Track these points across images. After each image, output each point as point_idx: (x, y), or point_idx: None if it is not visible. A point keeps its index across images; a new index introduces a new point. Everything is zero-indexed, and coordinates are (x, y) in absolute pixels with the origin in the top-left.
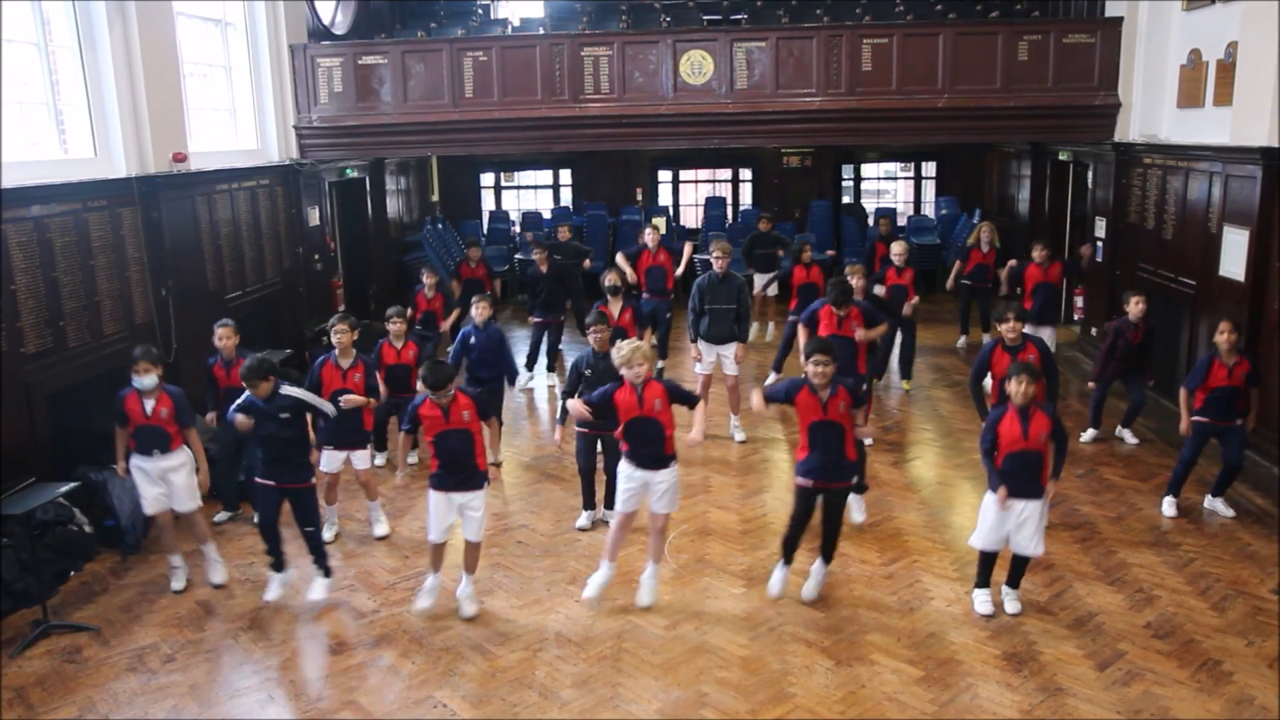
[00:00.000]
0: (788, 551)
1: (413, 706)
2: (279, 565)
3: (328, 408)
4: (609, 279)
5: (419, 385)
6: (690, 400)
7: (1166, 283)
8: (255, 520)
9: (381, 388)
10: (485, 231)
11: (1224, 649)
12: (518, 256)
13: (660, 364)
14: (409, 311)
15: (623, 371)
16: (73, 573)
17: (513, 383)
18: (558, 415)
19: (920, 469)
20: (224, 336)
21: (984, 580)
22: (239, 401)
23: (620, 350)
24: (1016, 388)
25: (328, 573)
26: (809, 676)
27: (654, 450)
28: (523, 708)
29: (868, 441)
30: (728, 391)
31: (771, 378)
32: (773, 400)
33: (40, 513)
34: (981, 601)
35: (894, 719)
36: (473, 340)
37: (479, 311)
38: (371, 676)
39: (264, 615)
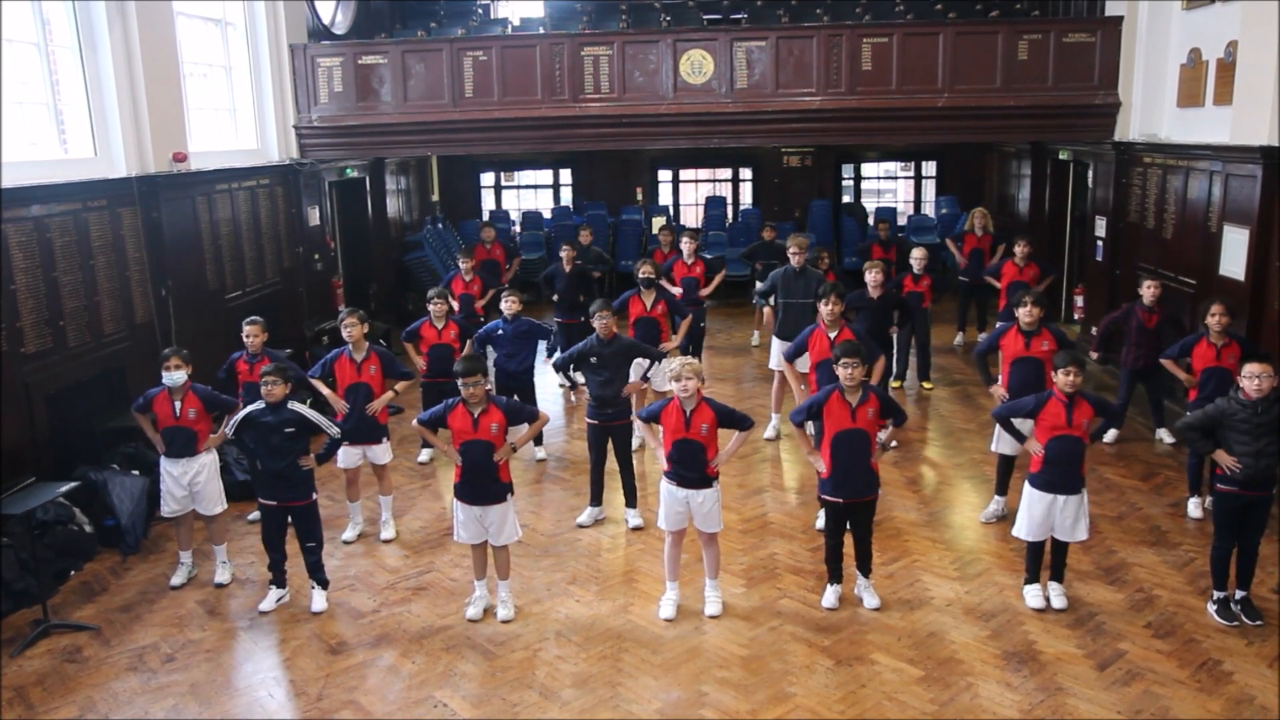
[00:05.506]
0: (833, 569)
1: (413, 706)
2: (279, 581)
3: (334, 430)
4: (643, 271)
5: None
6: (742, 423)
7: (1166, 282)
8: (249, 518)
9: (420, 361)
10: None
11: (1224, 649)
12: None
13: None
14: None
15: (671, 385)
16: (73, 572)
17: (550, 353)
18: (569, 384)
19: (920, 469)
20: (252, 334)
21: (1034, 575)
22: (244, 413)
23: (671, 365)
24: (1065, 378)
25: (325, 585)
26: (809, 676)
27: (696, 472)
28: (523, 708)
29: (892, 444)
30: (793, 387)
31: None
32: (802, 422)
33: (40, 512)
34: (1032, 596)
35: (894, 719)
36: (500, 332)
37: (509, 305)
38: (371, 676)
39: (264, 615)
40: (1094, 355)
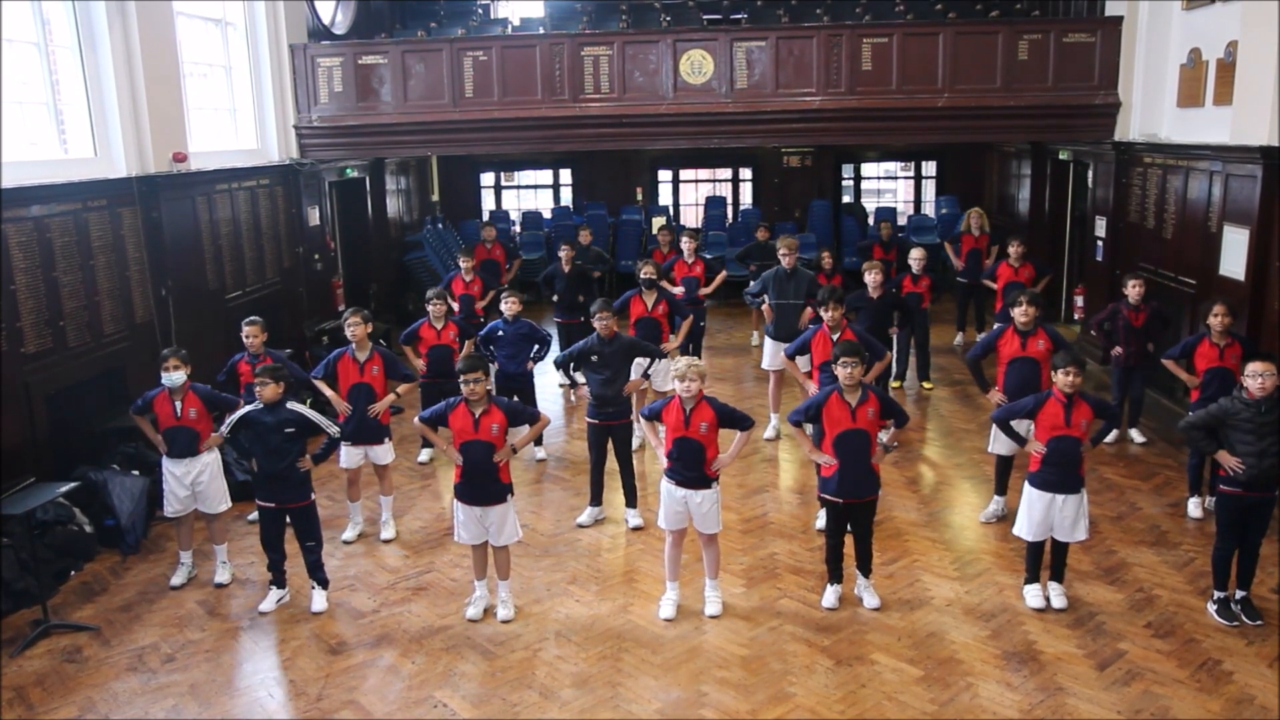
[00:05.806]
0: (833, 569)
1: (413, 706)
2: (279, 581)
3: (333, 429)
4: (645, 271)
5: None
6: (742, 423)
7: (1167, 282)
8: (249, 518)
9: (420, 363)
10: None
11: (1224, 649)
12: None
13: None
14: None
15: (674, 385)
16: (73, 573)
17: (545, 351)
18: (569, 383)
19: (920, 469)
20: (252, 334)
21: (1034, 575)
22: (241, 413)
23: (676, 364)
24: (1065, 378)
25: (325, 584)
26: (809, 676)
27: (695, 472)
28: (523, 708)
29: (894, 445)
30: (798, 379)
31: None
32: (802, 423)
33: (40, 513)
34: (1032, 596)
35: (894, 719)
36: (501, 333)
37: (509, 306)
38: (371, 676)
39: (264, 616)
40: (1118, 351)
